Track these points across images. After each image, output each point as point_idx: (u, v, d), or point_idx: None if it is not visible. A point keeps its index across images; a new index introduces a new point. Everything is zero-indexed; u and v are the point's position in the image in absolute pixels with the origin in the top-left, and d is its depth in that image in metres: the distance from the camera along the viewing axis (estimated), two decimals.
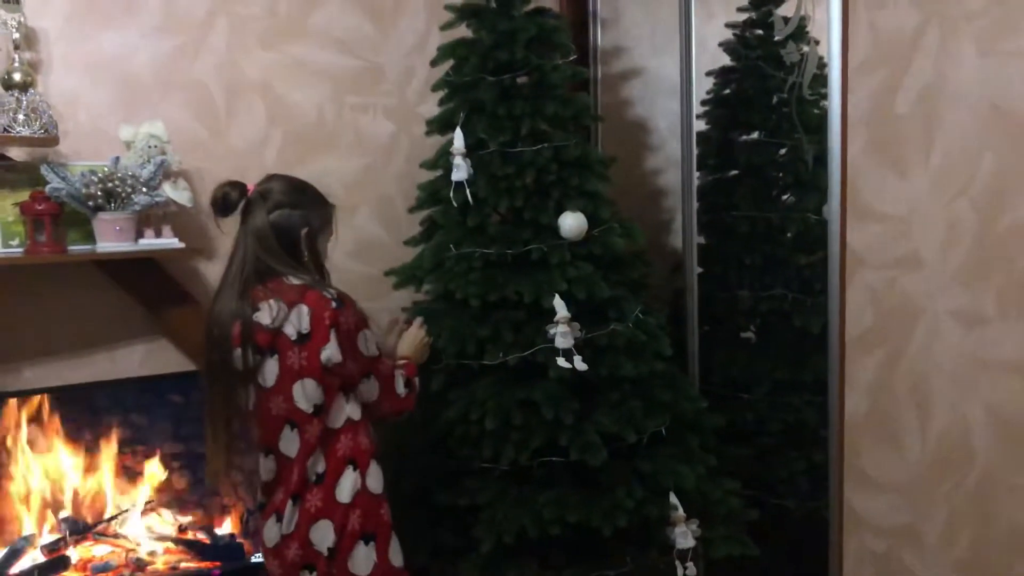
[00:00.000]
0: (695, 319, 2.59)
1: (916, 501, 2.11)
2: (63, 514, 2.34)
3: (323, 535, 1.72)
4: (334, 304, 1.70)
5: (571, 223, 2.23)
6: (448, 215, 2.33)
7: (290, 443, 1.72)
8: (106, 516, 2.38)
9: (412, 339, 2.09)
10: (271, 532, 1.76)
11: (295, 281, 1.74)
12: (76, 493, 2.36)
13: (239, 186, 1.78)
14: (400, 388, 1.87)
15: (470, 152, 2.26)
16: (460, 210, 2.29)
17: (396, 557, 1.80)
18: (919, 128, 2.03)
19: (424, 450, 2.27)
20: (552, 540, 2.12)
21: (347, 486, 1.73)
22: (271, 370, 1.70)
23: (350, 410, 1.77)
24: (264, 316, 1.69)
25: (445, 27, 2.42)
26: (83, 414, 2.34)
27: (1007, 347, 1.91)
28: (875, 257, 2.14)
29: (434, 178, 2.39)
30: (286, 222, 1.76)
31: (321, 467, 1.73)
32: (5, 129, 2.10)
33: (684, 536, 2.16)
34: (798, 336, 2.56)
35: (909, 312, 2.08)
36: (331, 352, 1.69)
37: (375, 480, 1.78)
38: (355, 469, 1.75)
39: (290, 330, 1.68)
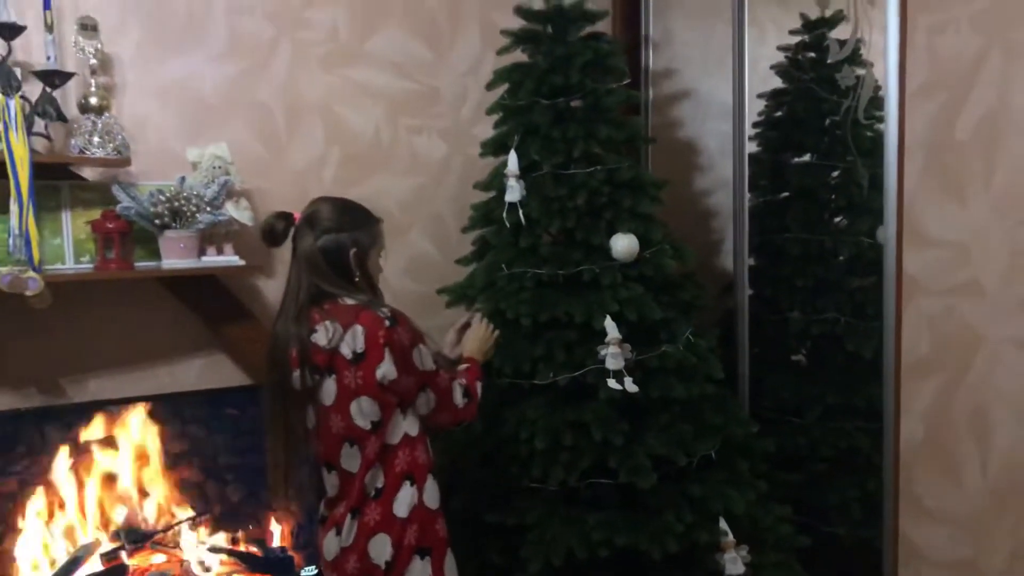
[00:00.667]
0: (746, 341, 2.57)
1: (976, 534, 2.06)
2: (122, 524, 2.41)
3: (381, 549, 1.75)
4: (388, 323, 1.74)
5: (623, 244, 2.24)
6: (500, 235, 2.37)
7: (351, 459, 1.76)
8: (163, 527, 2.44)
9: (476, 335, 2.09)
10: (331, 545, 1.79)
11: (349, 301, 1.78)
12: (134, 503, 2.43)
13: (285, 216, 1.84)
14: (458, 399, 1.88)
15: (523, 174, 2.29)
16: (512, 230, 2.32)
17: (451, 572, 1.82)
18: (979, 154, 2.00)
19: (474, 468, 2.29)
20: (600, 563, 2.12)
21: (405, 501, 1.76)
22: (329, 389, 1.74)
23: (407, 426, 1.79)
24: (321, 337, 1.73)
25: (502, 51, 2.46)
26: (144, 426, 2.41)
27: None
28: (932, 283, 2.11)
29: (487, 199, 2.42)
30: (334, 245, 1.80)
31: (380, 482, 1.76)
32: (81, 150, 2.19)
33: (734, 562, 2.14)
34: (850, 360, 2.53)
35: (968, 339, 2.05)
36: (386, 370, 1.72)
37: (431, 495, 1.81)
38: (412, 484, 1.78)
39: (346, 350, 1.72)
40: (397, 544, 1.75)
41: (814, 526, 2.45)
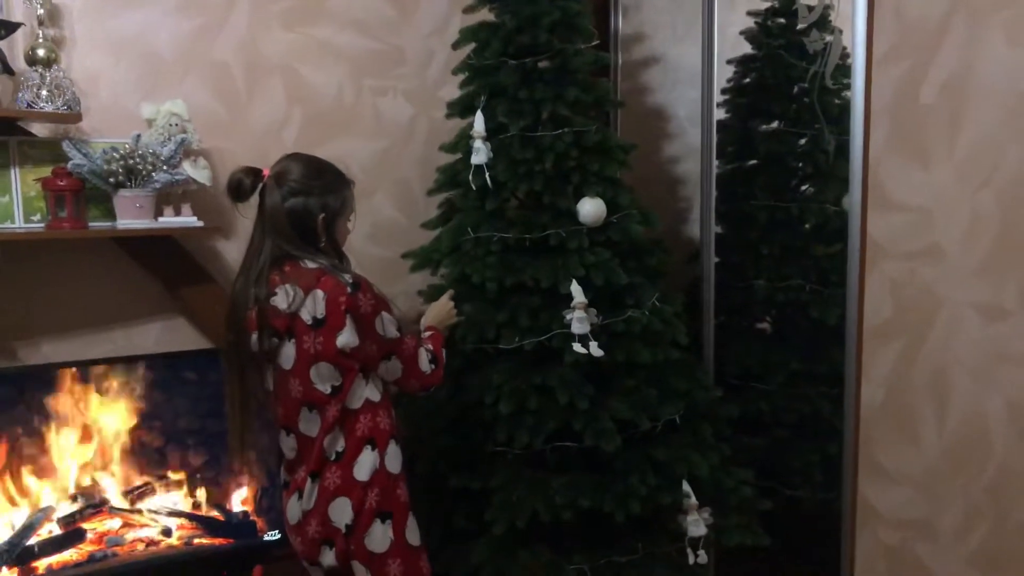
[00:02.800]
0: (711, 308, 2.58)
1: (931, 494, 2.10)
2: (79, 488, 2.36)
3: (341, 512, 1.73)
4: (350, 289, 1.70)
5: (590, 209, 2.22)
6: (466, 198, 2.33)
7: (310, 423, 1.74)
8: (121, 491, 2.40)
9: (438, 310, 2.09)
10: (293, 509, 1.78)
11: (311, 265, 1.74)
12: (92, 468, 2.38)
13: (253, 172, 1.78)
14: (424, 365, 1.86)
15: (490, 136, 2.26)
16: (479, 194, 2.29)
17: (413, 536, 1.81)
18: (944, 119, 2.00)
19: (439, 433, 2.27)
20: (564, 525, 2.12)
21: (366, 465, 1.74)
22: (288, 354, 1.71)
23: (369, 391, 1.77)
24: (280, 301, 1.70)
25: (468, 10, 2.41)
26: (99, 390, 2.35)
27: None
28: (895, 248, 2.13)
29: (453, 161, 2.39)
30: (302, 207, 1.75)
31: (340, 446, 1.74)
32: (29, 104, 2.11)
33: (696, 524, 2.16)
34: (814, 327, 2.55)
35: (929, 304, 2.07)
36: (347, 338, 1.69)
37: (393, 460, 1.79)
38: (373, 449, 1.76)
39: (306, 315, 1.69)
40: (358, 508, 1.73)
41: (776, 489, 2.48)
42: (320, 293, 1.69)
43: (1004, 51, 1.88)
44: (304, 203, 1.75)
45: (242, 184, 1.77)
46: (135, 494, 2.40)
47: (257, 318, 1.71)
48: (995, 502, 1.97)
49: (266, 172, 1.78)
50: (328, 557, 1.75)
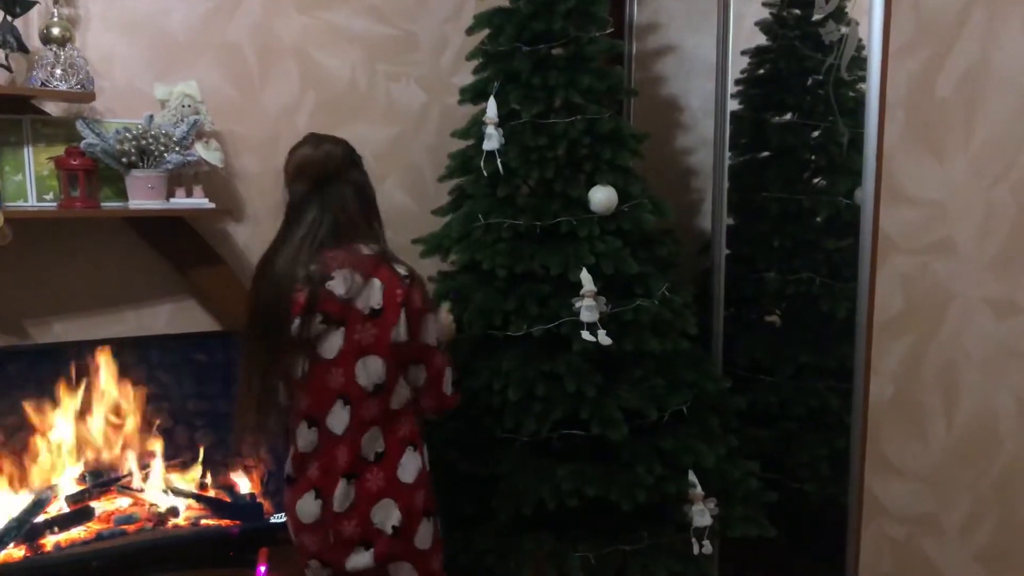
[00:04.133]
0: (721, 300, 2.57)
1: (938, 489, 2.09)
2: (88, 467, 2.38)
3: (386, 514, 1.67)
4: (406, 281, 1.64)
5: (601, 197, 2.22)
6: (478, 185, 2.33)
7: (338, 419, 1.64)
8: (130, 470, 2.41)
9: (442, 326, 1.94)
10: (309, 508, 1.67)
11: (367, 251, 1.65)
12: (101, 447, 2.40)
13: (341, 142, 1.69)
14: (448, 386, 1.76)
15: (502, 122, 2.25)
16: (490, 180, 2.28)
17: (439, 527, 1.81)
18: (960, 112, 1.99)
19: (446, 419, 2.27)
20: (569, 513, 2.13)
21: (411, 467, 1.69)
22: (334, 343, 1.61)
23: (408, 392, 1.70)
24: (338, 286, 1.59)
25: None
26: (109, 370, 2.36)
27: None
28: (908, 242, 2.11)
29: (465, 147, 2.38)
30: (369, 186, 1.71)
31: (380, 446, 1.67)
32: (43, 83, 2.12)
33: (701, 514, 2.16)
34: (824, 321, 2.54)
35: (940, 298, 2.06)
36: (400, 331, 1.62)
37: (427, 458, 1.76)
38: (415, 450, 1.71)
39: (361, 304, 1.60)
40: (407, 509, 1.69)
41: (783, 482, 2.48)
42: (377, 282, 1.61)
43: (1022, 44, 1.86)
44: (368, 181, 1.72)
45: (332, 155, 1.66)
46: (143, 474, 2.42)
47: (307, 301, 1.59)
48: (1002, 498, 1.96)
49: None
50: (361, 559, 1.67)
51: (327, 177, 1.66)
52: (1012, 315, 1.92)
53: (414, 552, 1.71)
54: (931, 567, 2.10)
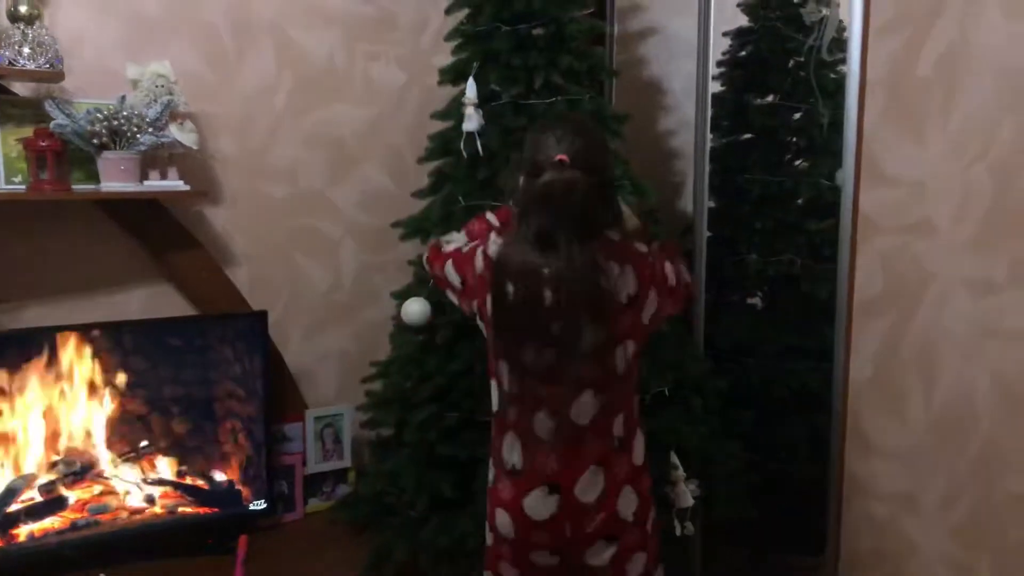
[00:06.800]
0: (703, 282, 2.56)
1: (917, 468, 2.11)
2: (62, 456, 2.33)
3: (628, 501, 1.60)
4: (649, 259, 1.59)
5: None
6: (458, 167, 2.30)
7: (584, 408, 1.56)
8: (105, 458, 2.37)
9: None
10: (541, 504, 1.57)
11: (614, 236, 1.59)
12: (75, 435, 2.35)
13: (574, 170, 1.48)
14: (672, 279, 1.63)
15: (482, 103, 2.22)
16: (470, 162, 2.25)
17: None
18: (939, 92, 1.99)
19: (427, 402, 2.25)
20: None
21: (640, 447, 1.64)
22: (590, 336, 1.51)
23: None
24: (608, 281, 1.51)
25: None
26: (82, 356, 2.32)
27: (1016, 316, 1.89)
28: (888, 222, 2.12)
29: (445, 128, 2.35)
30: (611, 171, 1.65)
31: (622, 431, 1.60)
32: (10, 62, 2.06)
33: (684, 495, 2.16)
34: (806, 302, 2.55)
35: (919, 278, 2.07)
36: (651, 310, 1.58)
37: None
38: (641, 430, 1.66)
39: (621, 293, 1.54)
40: (641, 493, 1.63)
41: (765, 462, 2.49)
42: (630, 268, 1.55)
43: (1001, 24, 1.87)
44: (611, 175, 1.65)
45: (576, 184, 1.47)
46: (119, 461, 2.38)
47: (590, 305, 1.49)
48: (979, 476, 1.98)
49: (563, 158, 1.50)
50: (603, 555, 1.60)
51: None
52: (989, 294, 1.94)
53: (647, 539, 1.66)
54: (910, 544, 2.13)
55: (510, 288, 1.51)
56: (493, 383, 1.66)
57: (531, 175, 1.53)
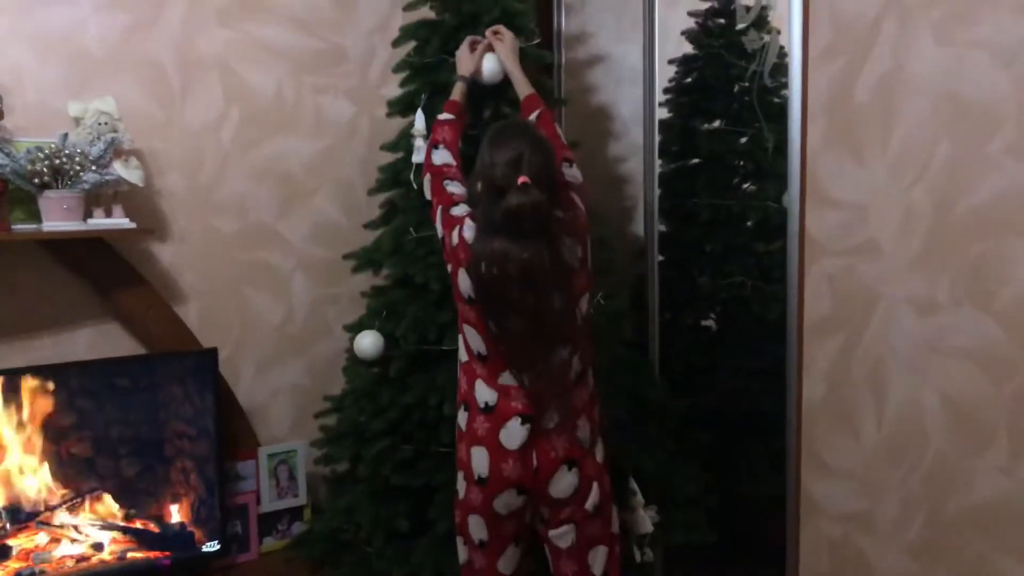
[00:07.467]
0: (656, 305, 2.59)
1: (871, 486, 2.12)
2: (4, 502, 2.26)
3: (583, 428, 1.85)
4: (579, 207, 1.88)
5: None
6: (408, 198, 2.30)
7: (555, 362, 1.78)
8: (50, 504, 2.30)
9: (507, 44, 2.14)
10: (516, 433, 1.77)
11: (559, 214, 1.81)
12: (17, 481, 2.28)
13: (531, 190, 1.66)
14: (581, 207, 1.89)
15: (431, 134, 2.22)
16: (420, 193, 2.25)
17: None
18: (877, 116, 2.04)
19: (381, 435, 2.23)
20: None
21: (591, 379, 1.90)
22: (560, 301, 1.77)
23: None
24: (565, 254, 1.78)
25: (408, 8, 2.38)
26: (26, 399, 2.25)
27: (960, 334, 1.93)
28: (834, 244, 2.15)
29: (395, 160, 2.35)
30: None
31: (579, 366, 1.85)
32: None
33: (643, 521, 2.15)
34: (758, 323, 2.57)
35: (866, 299, 2.10)
36: (588, 252, 1.85)
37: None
38: (592, 362, 1.91)
39: (574, 260, 1.80)
40: (592, 420, 1.86)
41: (723, 484, 2.49)
42: (575, 236, 1.81)
43: (933, 50, 1.92)
44: None
45: (541, 207, 1.66)
46: (64, 507, 2.31)
47: (554, 277, 1.73)
48: (931, 493, 2.00)
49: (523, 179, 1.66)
50: (564, 483, 1.81)
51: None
52: (933, 313, 1.97)
53: (600, 470, 1.86)
54: (866, 564, 2.14)
55: (484, 270, 1.70)
56: (460, 338, 1.87)
57: (493, 192, 1.69)
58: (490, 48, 2.16)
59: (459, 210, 1.83)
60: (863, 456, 2.14)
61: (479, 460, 1.79)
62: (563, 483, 1.78)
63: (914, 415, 2.03)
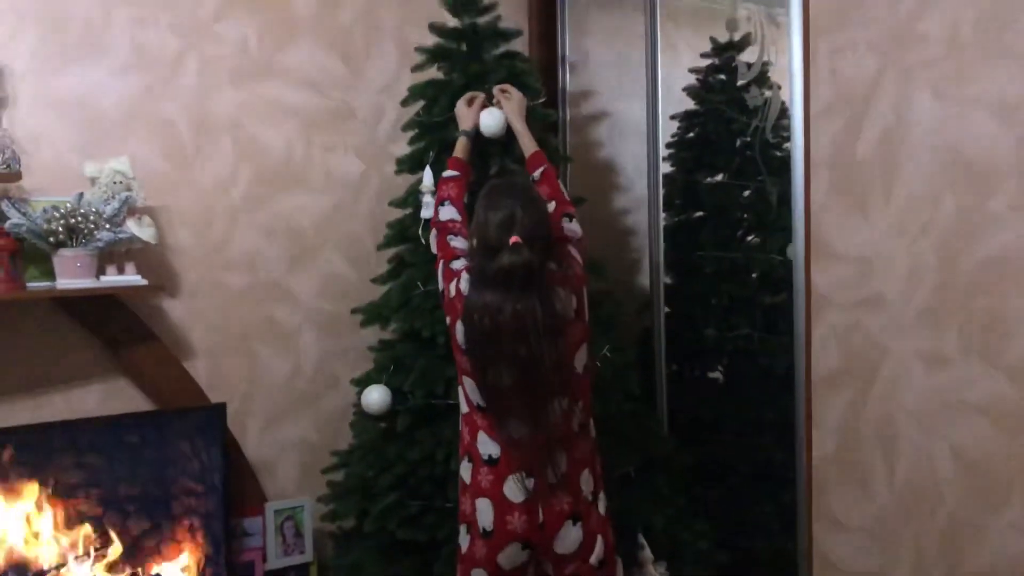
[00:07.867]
0: (663, 358, 2.59)
1: (884, 543, 2.10)
2: (10, 562, 2.25)
3: (587, 481, 1.85)
4: (576, 258, 1.92)
5: None
6: (416, 253, 2.33)
7: (554, 414, 1.79)
8: (56, 563, 2.29)
9: (514, 101, 2.21)
10: (519, 487, 1.77)
11: (553, 267, 1.84)
12: (25, 539, 2.27)
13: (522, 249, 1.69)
14: (579, 260, 1.90)
15: None
16: (428, 247, 2.28)
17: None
18: (879, 171, 2.07)
19: (389, 490, 2.22)
20: None
21: (592, 430, 1.90)
22: (555, 352, 1.77)
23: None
24: (558, 306, 1.79)
25: (416, 68, 2.44)
26: (35, 456, 2.26)
27: (970, 387, 1.92)
28: (840, 297, 2.17)
29: (403, 216, 2.39)
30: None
31: (583, 417, 1.86)
32: None
33: None
34: (765, 376, 2.57)
35: (874, 353, 2.10)
36: (585, 303, 1.87)
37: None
38: (593, 413, 1.92)
39: (569, 311, 1.81)
40: (595, 472, 1.86)
41: (733, 540, 2.46)
42: (570, 288, 1.83)
43: (932, 106, 1.96)
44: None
45: (531, 265, 1.69)
46: (72, 565, 2.29)
47: (548, 329, 1.74)
48: (946, 551, 1.98)
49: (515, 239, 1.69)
50: (570, 539, 1.80)
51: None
52: (942, 367, 1.97)
53: (604, 524, 1.85)
54: None
55: (477, 321, 1.72)
56: (460, 390, 1.88)
57: (487, 249, 1.72)
58: (488, 102, 2.21)
59: (458, 264, 1.86)
60: (875, 512, 2.11)
61: (484, 512, 1.78)
62: (569, 538, 1.77)
63: (926, 471, 2.01)
